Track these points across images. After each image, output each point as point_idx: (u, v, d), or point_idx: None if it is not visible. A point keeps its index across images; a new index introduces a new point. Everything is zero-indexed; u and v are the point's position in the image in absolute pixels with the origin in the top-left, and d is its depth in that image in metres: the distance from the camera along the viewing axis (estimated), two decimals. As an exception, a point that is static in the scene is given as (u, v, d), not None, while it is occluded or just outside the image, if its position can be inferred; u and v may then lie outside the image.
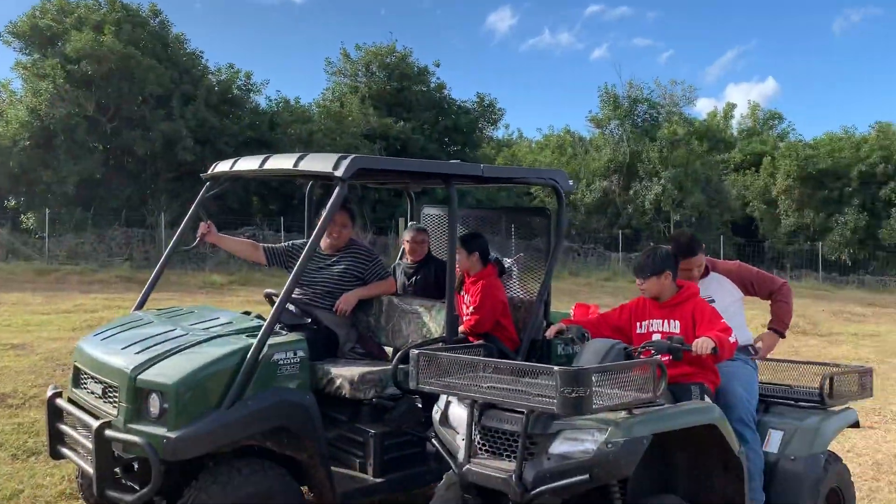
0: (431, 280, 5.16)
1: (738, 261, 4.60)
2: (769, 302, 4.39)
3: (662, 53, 76.36)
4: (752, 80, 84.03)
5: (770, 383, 4.51)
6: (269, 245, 5.18)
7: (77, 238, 20.66)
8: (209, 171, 4.77)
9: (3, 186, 22.24)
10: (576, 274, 23.13)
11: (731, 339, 3.59)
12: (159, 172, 23.60)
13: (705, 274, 4.28)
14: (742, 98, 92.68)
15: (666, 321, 3.77)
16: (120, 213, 22.32)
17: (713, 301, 4.14)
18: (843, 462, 4.22)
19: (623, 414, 3.02)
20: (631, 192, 28.94)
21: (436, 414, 3.59)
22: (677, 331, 3.71)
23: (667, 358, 3.46)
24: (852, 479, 4.42)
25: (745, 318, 4.33)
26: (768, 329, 4.32)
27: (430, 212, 5.87)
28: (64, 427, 4.04)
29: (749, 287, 4.33)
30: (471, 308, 4.68)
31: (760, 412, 4.13)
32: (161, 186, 23.44)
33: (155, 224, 21.73)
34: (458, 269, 4.74)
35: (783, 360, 4.70)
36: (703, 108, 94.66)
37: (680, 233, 4.44)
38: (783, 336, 4.31)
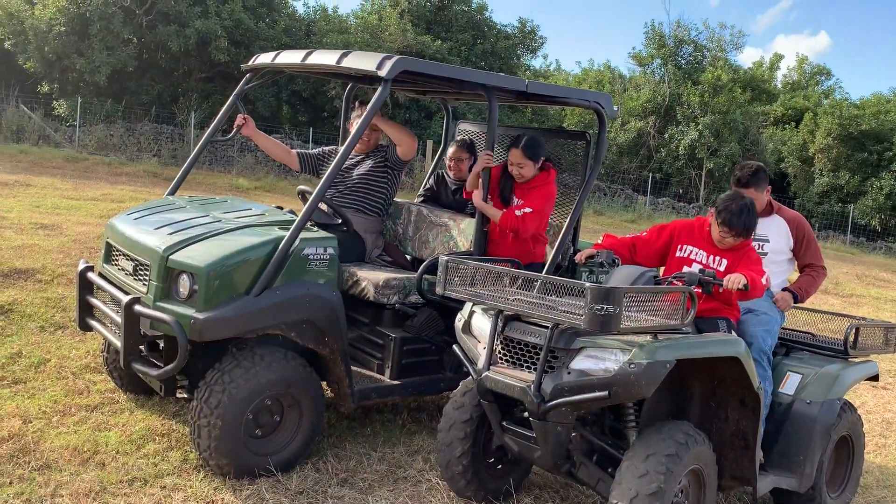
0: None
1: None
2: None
3: (714, -5, 73.57)
4: (804, 32, 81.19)
5: (793, 329, 4.50)
6: (302, 150, 5.19)
7: (107, 130, 20.71)
8: (250, 62, 4.71)
9: (38, 71, 22.21)
10: (600, 213, 22.95)
11: (763, 280, 3.55)
12: (191, 71, 23.42)
13: (768, 213, 4.20)
14: (791, 50, 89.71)
15: (714, 257, 3.73)
16: (150, 109, 22.29)
17: (767, 241, 4.08)
18: (858, 413, 4.22)
19: (648, 337, 3.02)
20: (666, 135, 28.34)
21: (458, 322, 3.62)
22: (722, 269, 3.67)
23: (697, 290, 3.44)
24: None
25: (789, 268, 4.26)
26: (783, 290, 4.21)
27: (467, 128, 5.78)
28: (93, 300, 4.12)
29: (799, 244, 4.21)
30: (525, 209, 4.41)
31: (781, 355, 4.14)
32: (192, 85, 23.31)
33: (184, 123, 21.72)
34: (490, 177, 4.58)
35: (811, 310, 4.67)
36: (748, 57, 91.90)
37: (749, 162, 4.33)
38: (797, 301, 4.18)
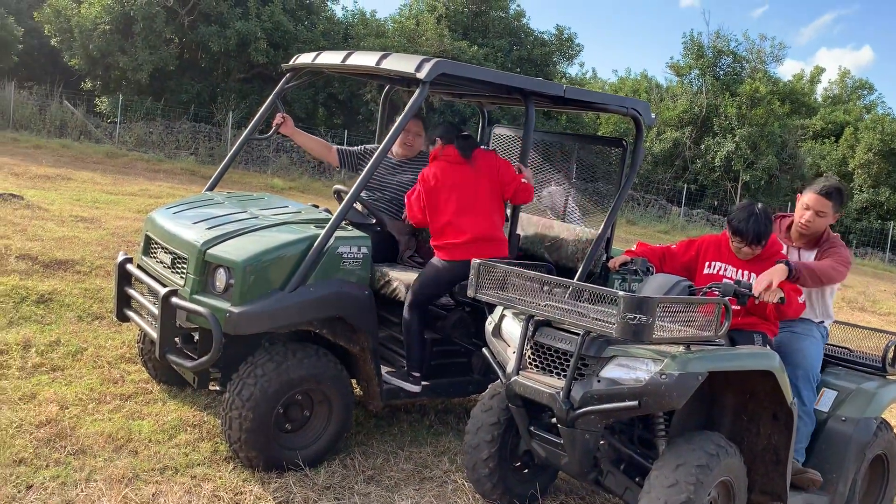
0: None
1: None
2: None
3: (757, 8, 72.78)
4: (847, 46, 79.75)
5: (830, 344, 4.42)
6: (343, 147, 5.20)
7: (147, 127, 21.12)
8: (290, 62, 4.77)
9: (82, 68, 22.72)
10: (633, 223, 22.78)
11: (801, 300, 3.50)
12: (230, 72, 23.76)
13: (814, 245, 3.95)
14: (833, 64, 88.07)
15: (742, 271, 3.67)
16: (189, 108, 22.66)
17: None
18: (894, 432, 4.13)
19: (680, 348, 2.99)
20: (702, 146, 28.05)
21: (489, 325, 3.62)
22: (753, 282, 3.61)
23: (732, 302, 3.39)
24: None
25: (832, 297, 4.12)
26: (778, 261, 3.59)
27: (502, 132, 5.77)
28: (131, 291, 4.20)
29: (822, 245, 4.02)
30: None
31: (816, 371, 4.06)
32: (231, 86, 23.65)
33: (222, 122, 22.03)
34: None
35: (849, 325, 4.58)
36: (789, 70, 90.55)
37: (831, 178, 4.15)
38: (790, 272, 3.49)
